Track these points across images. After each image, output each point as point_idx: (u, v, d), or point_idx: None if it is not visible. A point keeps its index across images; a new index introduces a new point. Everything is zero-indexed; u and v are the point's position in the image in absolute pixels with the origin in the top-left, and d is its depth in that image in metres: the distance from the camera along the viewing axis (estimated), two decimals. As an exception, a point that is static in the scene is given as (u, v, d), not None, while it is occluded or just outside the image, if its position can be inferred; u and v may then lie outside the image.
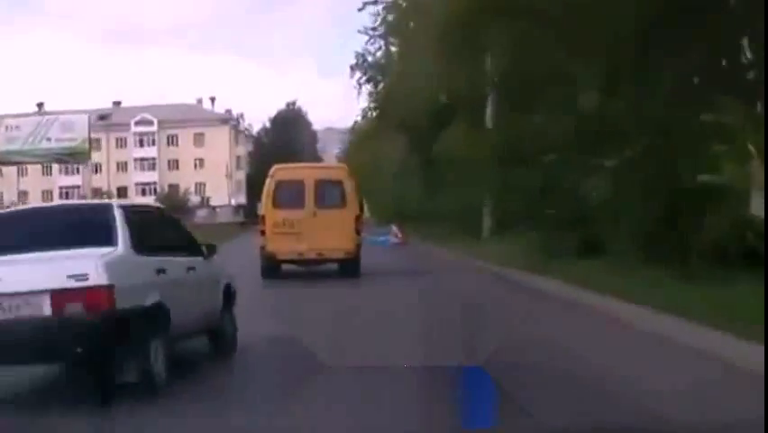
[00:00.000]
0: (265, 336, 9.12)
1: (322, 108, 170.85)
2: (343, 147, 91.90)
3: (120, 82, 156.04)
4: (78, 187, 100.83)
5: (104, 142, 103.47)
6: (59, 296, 6.51)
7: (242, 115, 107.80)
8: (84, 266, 6.67)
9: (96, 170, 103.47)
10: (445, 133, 31.10)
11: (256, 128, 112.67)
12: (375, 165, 45.48)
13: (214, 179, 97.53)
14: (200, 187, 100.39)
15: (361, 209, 21.00)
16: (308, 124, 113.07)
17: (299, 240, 18.26)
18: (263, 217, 19.22)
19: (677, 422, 3.47)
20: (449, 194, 31.72)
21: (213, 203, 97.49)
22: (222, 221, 79.52)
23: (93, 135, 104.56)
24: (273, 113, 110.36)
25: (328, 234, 18.11)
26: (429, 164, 35.14)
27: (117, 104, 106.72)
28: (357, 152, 55.41)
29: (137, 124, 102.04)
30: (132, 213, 7.83)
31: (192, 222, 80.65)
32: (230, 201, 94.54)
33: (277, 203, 18.93)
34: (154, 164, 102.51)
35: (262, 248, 18.98)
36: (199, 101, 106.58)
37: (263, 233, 19.00)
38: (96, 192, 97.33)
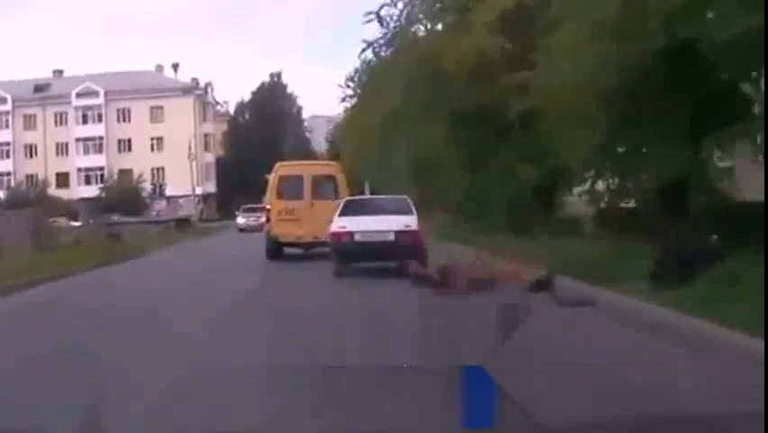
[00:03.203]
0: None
1: (307, 97, 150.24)
2: (332, 131, 78.70)
3: (65, 48, 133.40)
4: (9, 174, 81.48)
5: (39, 119, 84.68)
6: (398, 233, 15.98)
7: (210, 85, 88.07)
8: (410, 221, 16.37)
9: (31, 153, 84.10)
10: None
11: (233, 110, 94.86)
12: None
13: (176, 163, 77.79)
14: (158, 172, 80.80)
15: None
16: (294, 101, 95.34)
17: (299, 226, 20.82)
18: (268, 208, 22.23)
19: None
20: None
21: (174, 192, 77.66)
22: (182, 216, 59.99)
23: (27, 111, 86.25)
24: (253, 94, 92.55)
25: (323, 220, 19.54)
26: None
27: (59, 73, 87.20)
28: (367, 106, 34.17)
29: (79, 96, 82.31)
30: (410, 201, 17.85)
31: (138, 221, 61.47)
32: (193, 190, 74.61)
33: (280, 195, 21.74)
34: (101, 145, 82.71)
35: (268, 232, 21.88)
36: (159, 68, 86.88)
37: (268, 220, 21.95)
38: (30, 180, 78.39)
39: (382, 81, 28.94)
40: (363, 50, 27.47)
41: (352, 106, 45.91)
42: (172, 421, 3.61)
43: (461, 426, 2.36)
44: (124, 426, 4.45)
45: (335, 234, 16.52)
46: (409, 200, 17.95)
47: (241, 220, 52.83)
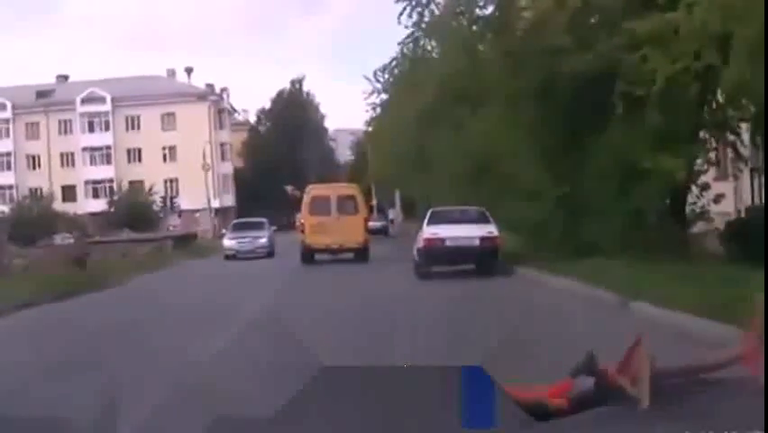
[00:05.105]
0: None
1: (331, 110, 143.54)
2: (358, 138, 71.81)
3: (71, 54, 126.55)
4: (11, 187, 75.48)
5: (43, 128, 78.56)
6: (482, 239, 18.14)
7: (226, 90, 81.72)
8: (491, 229, 18.53)
9: (34, 165, 78.18)
10: None
11: (254, 118, 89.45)
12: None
13: (190, 174, 71.58)
14: (171, 184, 74.47)
15: (370, 212, 36.20)
16: (316, 109, 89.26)
17: (327, 236, 25.93)
18: (302, 222, 27.46)
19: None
20: None
21: (189, 205, 71.06)
22: (186, 232, 53.48)
23: (30, 119, 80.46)
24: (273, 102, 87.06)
25: (346, 231, 26.05)
26: None
27: (63, 78, 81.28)
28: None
29: (84, 102, 76.17)
30: (486, 212, 19.56)
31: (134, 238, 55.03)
32: (209, 203, 68.24)
33: (312, 211, 27.02)
34: (109, 155, 76.54)
35: (303, 241, 26.91)
36: (171, 73, 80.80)
37: (303, 231, 27.04)
38: (34, 194, 72.35)
39: (426, 59, 22.25)
40: (402, 12, 20.59)
41: (382, 103, 38.93)
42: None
43: (461, 426, 2.15)
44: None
45: (428, 240, 18.63)
46: (486, 211, 19.60)
47: (228, 242, 35.47)
